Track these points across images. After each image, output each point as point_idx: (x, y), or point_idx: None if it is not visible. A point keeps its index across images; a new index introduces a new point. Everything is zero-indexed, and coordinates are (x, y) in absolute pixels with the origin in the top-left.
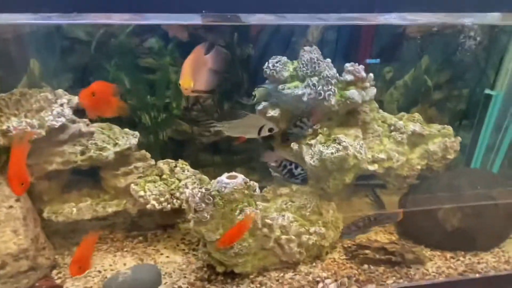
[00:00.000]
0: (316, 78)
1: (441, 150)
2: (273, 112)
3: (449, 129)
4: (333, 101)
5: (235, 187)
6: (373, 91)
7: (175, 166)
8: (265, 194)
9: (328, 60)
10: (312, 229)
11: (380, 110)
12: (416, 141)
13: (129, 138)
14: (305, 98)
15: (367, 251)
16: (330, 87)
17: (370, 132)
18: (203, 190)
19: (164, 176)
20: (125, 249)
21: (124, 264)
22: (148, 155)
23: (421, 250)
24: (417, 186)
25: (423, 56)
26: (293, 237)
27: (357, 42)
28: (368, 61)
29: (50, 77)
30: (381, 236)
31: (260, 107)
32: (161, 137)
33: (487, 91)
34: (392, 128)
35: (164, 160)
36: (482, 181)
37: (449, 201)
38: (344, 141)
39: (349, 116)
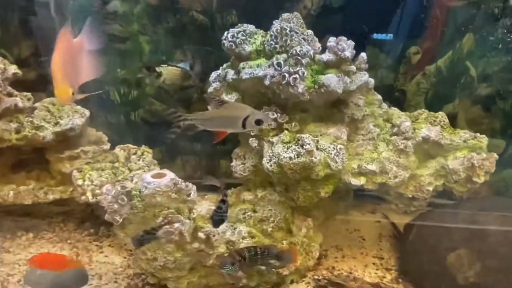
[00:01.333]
0: (284, 55)
1: (464, 169)
2: (228, 97)
3: (481, 140)
4: (300, 88)
5: (157, 189)
6: (363, 77)
7: (134, 153)
8: (227, 199)
9: (309, 32)
10: None
11: (384, 105)
12: (432, 151)
13: (74, 118)
14: (267, 82)
15: None
16: (297, 68)
17: (362, 133)
18: (118, 188)
19: (116, 164)
20: (68, 241)
21: None
22: (105, 138)
23: None
24: (428, 213)
25: (466, 33)
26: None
27: (371, 10)
28: (375, 35)
29: (9, 43)
30: (372, 269)
31: (210, 89)
32: (132, 118)
33: None
34: (394, 130)
35: (124, 145)
36: None
37: (466, 243)
38: (309, 144)
39: (333, 109)
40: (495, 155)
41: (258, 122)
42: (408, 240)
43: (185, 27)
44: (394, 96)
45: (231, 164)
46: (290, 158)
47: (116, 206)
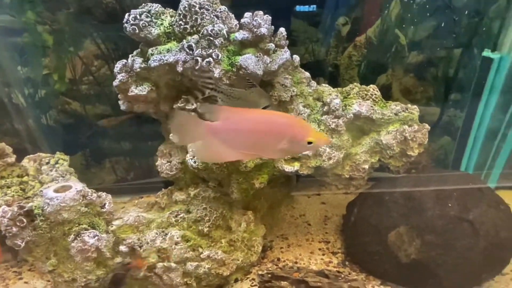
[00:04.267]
0: (196, 36)
1: (397, 143)
2: (137, 90)
3: (413, 111)
4: (216, 72)
5: (62, 204)
6: (284, 55)
7: (47, 163)
8: (158, 200)
9: (222, 8)
10: (205, 253)
11: (313, 83)
12: (365, 127)
13: None
14: (179, 68)
15: (283, 283)
16: (210, 51)
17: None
18: (15, 208)
19: (25, 178)
20: None
21: None
22: (9, 149)
23: (364, 283)
24: (368, 191)
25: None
26: (174, 264)
27: None
28: (298, 7)
29: None
30: (318, 256)
31: (115, 82)
32: (44, 122)
33: (487, 52)
34: (325, 109)
35: (34, 155)
36: (460, 195)
37: (406, 220)
38: None
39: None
40: (427, 126)
41: None
42: (350, 221)
43: (91, 11)
44: (328, 71)
45: (156, 163)
46: None
47: (15, 229)
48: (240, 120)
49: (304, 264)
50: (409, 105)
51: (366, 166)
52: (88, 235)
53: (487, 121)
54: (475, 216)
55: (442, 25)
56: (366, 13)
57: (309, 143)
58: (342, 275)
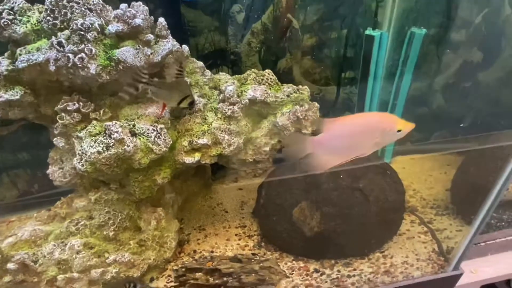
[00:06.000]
0: (67, 32)
1: (292, 124)
2: (8, 95)
3: (303, 91)
4: (92, 68)
5: None
6: (166, 45)
7: None
8: (57, 210)
9: (96, 0)
10: (111, 258)
11: (208, 72)
12: (263, 111)
13: None
14: (52, 67)
15: (197, 275)
16: (82, 46)
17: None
18: None
19: None
20: None
21: None
22: None
23: (277, 262)
24: (272, 172)
25: None
26: (77, 274)
27: None
28: None
29: None
30: (234, 241)
31: None
32: None
33: (369, 31)
34: (221, 97)
35: None
36: (351, 167)
37: (306, 196)
38: (117, 131)
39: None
40: (316, 104)
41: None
42: (260, 203)
43: None
44: (230, 60)
45: (47, 171)
46: (99, 152)
47: None
48: (340, 128)
49: (220, 252)
50: (300, 86)
51: (267, 148)
52: None
53: (377, 93)
54: (364, 184)
55: (329, 7)
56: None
57: (399, 131)
58: (257, 257)
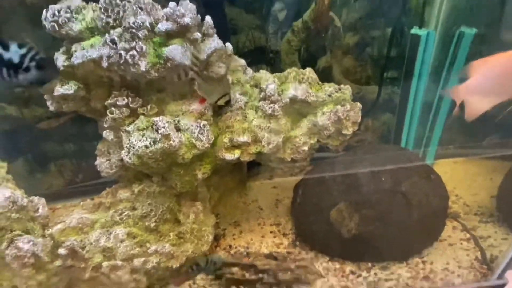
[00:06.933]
0: (119, 30)
1: (332, 124)
2: (63, 89)
3: (345, 91)
4: (142, 65)
5: None
6: (212, 43)
7: None
8: (102, 200)
9: None
10: (152, 248)
11: (250, 70)
12: (303, 111)
13: None
14: (104, 64)
15: (234, 270)
16: (134, 43)
17: (228, 104)
18: None
19: None
20: None
21: None
22: None
23: (312, 261)
24: (310, 172)
25: None
26: (120, 262)
27: None
28: None
29: None
30: (269, 239)
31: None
32: None
33: (415, 30)
34: (261, 95)
35: None
36: (393, 170)
37: (345, 197)
38: (164, 127)
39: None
40: (359, 104)
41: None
42: (296, 202)
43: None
44: (269, 58)
45: (95, 162)
46: (146, 146)
47: None
48: (491, 68)
49: (255, 248)
50: (342, 86)
51: (306, 148)
52: (22, 241)
53: (421, 94)
54: (407, 188)
55: (373, 5)
56: None
57: None
58: (292, 256)
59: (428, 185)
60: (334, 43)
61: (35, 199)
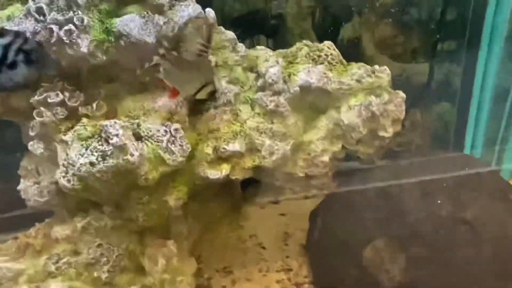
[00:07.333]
0: None
1: (364, 122)
2: None
3: (381, 75)
4: (83, 45)
5: None
6: (185, 10)
7: None
8: (30, 241)
9: None
10: None
11: (241, 46)
12: (320, 104)
13: None
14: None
15: None
16: (70, 14)
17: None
18: None
19: None
20: None
21: None
22: None
23: None
24: (333, 194)
25: None
26: None
27: None
28: None
29: None
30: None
31: None
32: None
33: None
34: (259, 83)
35: None
36: (453, 187)
37: (383, 229)
38: (117, 134)
39: (157, 68)
40: (401, 94)
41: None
42: (314, 237)
43: None
44: (270, 27)
45: (18, 187)
46: (92, 163)
47: None
48: None
49: None
50: (376, 67)
51: (327, 158)
52: None
53: (492, 77)
54: (474, 213)
55: None
56: None
57: None
58: None
59: (504, 209)
60: (363, 3)
61: None
